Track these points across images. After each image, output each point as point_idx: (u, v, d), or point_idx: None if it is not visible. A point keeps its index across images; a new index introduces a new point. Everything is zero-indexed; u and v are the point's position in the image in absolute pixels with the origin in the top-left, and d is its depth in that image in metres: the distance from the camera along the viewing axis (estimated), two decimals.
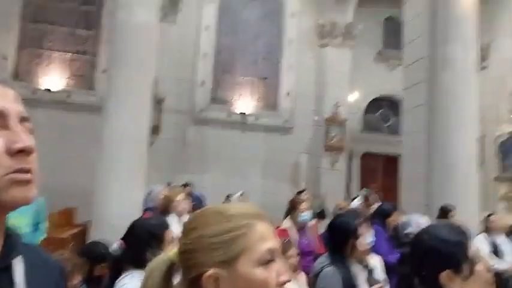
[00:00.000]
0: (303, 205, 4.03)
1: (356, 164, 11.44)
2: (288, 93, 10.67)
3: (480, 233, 4.89)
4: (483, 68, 9.86)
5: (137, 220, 2.22)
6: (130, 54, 5.59)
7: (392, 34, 11.22)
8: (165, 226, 2.09)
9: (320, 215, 5.42)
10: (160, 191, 3.99)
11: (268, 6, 10.99)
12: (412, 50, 6.74)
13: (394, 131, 11.07)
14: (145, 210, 3.93)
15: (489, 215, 5.08)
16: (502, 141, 9.60)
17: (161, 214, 3.45)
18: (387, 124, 11.96)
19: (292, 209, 4.10)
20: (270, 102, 10.79)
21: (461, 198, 5.43)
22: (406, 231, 3.38)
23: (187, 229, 0.85)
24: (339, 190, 10.06)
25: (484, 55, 10.11)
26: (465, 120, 5.82)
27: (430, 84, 6.10)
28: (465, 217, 5.01)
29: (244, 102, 10.55)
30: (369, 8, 11.04)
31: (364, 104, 11.77)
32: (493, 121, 9.62)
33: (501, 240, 4.79)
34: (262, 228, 0.81)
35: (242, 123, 10.34)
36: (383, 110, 11.99)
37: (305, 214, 4.00)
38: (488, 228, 4.90)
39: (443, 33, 6.05)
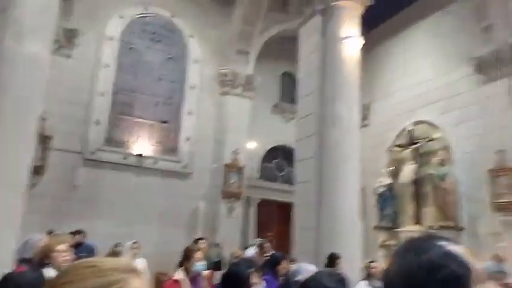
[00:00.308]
0: (198, 254, 3.94)
1: (253, 211, 11.65)
2: (188, 138, 10.65)
3: (362, 279, 5.24)
4: (364, 125, 11.07)
5: (9, 274, 1.94)
6: (14, 86, 5.10)
7: (288, 89, 12.12)
8: (42, 281, 1.85)
9: (216, 265, 5.33)
10: (40, 240, 3.56)
11: (173, 51, 11.10)
12: (305, 105, 7.29)
13: (288, 180, 11.62)
14: (20, 262, 3.45)
15: (370, 262, 5.49)
16: (380, 193, 10.66)
17: (38, 267, 3.06)
18: (282, 173, 12.53)
19: (186, 258, 3.97)
20: (169, 147, 10.62)
21: (347, 246, 5.81)
22: (296, 279, 3.48)
23: (57, 284, 0.77)
24: (236, 237, 10.07)
25: (365, 114, 11.40)
26: (350, 172, 6.36)
27: (320, 138, 6.60)
28: (350, 264, 5.37)
29: (142, 145, 10.23)
30: (268, 63, 11.82)
31: (261, 153, 12.24)
32: (373, 174, 10.69)
33: (380, 285, 5.16)
34: (137, 283, 0.79)
35: (139, 166, 9.95)
36: (278, 159, 12.58)
37: (199, 264, 3.90)
38: (368, 275, 5.27)
39: (331, 92, 6.69)
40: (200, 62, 11.12)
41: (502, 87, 8.52)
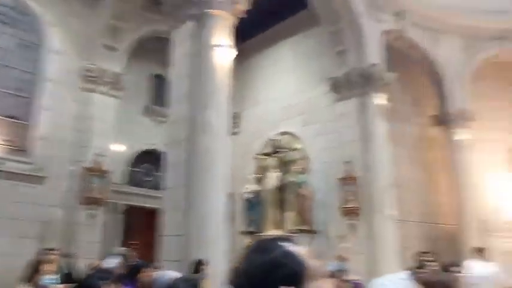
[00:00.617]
0: (47, 267, 3.51)
1: (119, 218, 10.99)
2: (42, 138, 9.49)
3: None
4: (235, 133, 11.42)
5: None
6: None
7: (160, 91, 11.80)
8: None
9: (67, 277, 4.83)
10: None
11: (25, 36, 9.78)
12: (176, 109, 7.16)
13: (157, 185, 11.28)
14: None
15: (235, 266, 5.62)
16: (247, 199, 11.08)
17: None
18: (150, 178, 12.10)
19: (33, 271, 3.50)
20: (18, 146, 9.31)
21: (214, 251, 5.85)
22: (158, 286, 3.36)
23: None
24: (97, 247, 9.29)
25: (236, 123, 11.77)
26: (218, 179, 6.44)
27: (190, 143, 6.55)
28: (216, 269, 5.43)
29: None
30: (139, 63, 11.33)
31: (129, 157, 11.65)
32: (242, 180, 11.07)
33: None
34: None
35: None
36: (147, 164, 12.12)
37: (48, 277, 3.48)
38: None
39: (203, 99, 6.70)
40: (60, 54, 9.99)
41: (351, 106, 9.69)
